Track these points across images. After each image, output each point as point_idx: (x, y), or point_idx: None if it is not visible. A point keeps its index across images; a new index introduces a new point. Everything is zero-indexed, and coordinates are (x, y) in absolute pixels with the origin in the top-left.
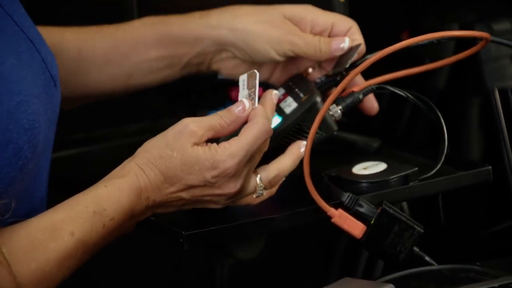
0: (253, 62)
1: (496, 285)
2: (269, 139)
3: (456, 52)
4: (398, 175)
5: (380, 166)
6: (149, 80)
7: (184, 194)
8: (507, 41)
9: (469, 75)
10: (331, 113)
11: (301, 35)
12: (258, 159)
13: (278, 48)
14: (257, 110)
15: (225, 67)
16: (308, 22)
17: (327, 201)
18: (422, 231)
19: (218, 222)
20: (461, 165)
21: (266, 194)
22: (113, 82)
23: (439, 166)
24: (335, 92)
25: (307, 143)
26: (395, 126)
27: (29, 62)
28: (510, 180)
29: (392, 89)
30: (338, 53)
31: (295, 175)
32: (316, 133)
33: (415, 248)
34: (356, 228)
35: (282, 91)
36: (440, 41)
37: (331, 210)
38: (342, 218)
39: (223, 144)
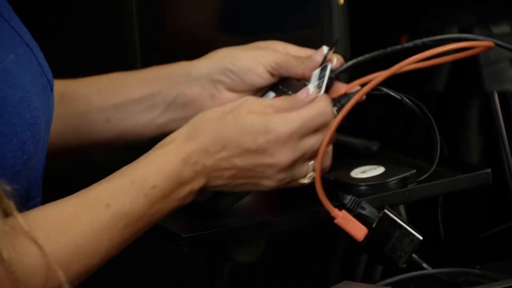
0: (243, 87)
1: None
2: (332, 136)
3: (456, 52)
4: (396, 177)
5: (378, 169)
6: (127, 125)
7: (237, 161)
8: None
9: (469, 78)
10: None
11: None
12: (314, 145)
13: (265, 62)
14: (322, 95)
15: (216, 105)
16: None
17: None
18: (421, 238)
19: (218, 224)
20: (460, 167)
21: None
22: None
23: (432, 169)
24: (346, 108)
25: (320, 147)
26: (393, 129)
27: (27, 64)
28: (510, 183)
29: (386, 90)
30: (319, 58)
31: None
32: None
33: (414, 255)
34: (358, 230)
35: (272, 94)
36: (437, 43)
37: (335, 211)
38: (345, 220)
39: (279, 113)
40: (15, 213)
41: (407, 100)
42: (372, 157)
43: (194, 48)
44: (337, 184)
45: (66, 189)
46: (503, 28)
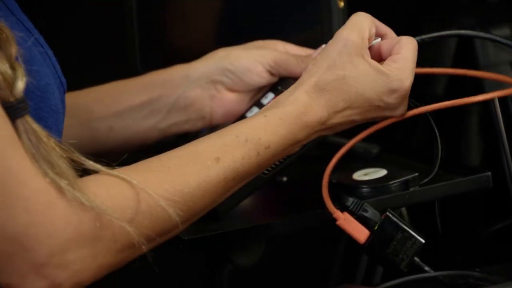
0: (243, 87)
1: None
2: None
3: (455, 56)
4: (399, 180)
5: (381, 172)
6: (130, 132)
7: (358, 117)
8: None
9: (469, 81)
10: None
11: (281, 50)
12: None
13: (264, 61)
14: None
15: (216, 105)
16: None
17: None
18: (423, 241)
19: (219, 227)
20: (460, 171)
21: None
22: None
23: (434, 172)
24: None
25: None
26: (394, 132)
27: (41, 61)
28: (510, 186)
29: None
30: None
31: (294, 180)
32: None
33: (416, 258)
34: (360, 232)
35: (271, 95)
36: (439, 43)
37: (336, 213)
38: (347, 221)
39: (396, 63)
40: (103, 168)
41: (412, 103)
42: (374, 159)
43: (193, 49)
44: (339, 186)
45: None
46: (503, 31)
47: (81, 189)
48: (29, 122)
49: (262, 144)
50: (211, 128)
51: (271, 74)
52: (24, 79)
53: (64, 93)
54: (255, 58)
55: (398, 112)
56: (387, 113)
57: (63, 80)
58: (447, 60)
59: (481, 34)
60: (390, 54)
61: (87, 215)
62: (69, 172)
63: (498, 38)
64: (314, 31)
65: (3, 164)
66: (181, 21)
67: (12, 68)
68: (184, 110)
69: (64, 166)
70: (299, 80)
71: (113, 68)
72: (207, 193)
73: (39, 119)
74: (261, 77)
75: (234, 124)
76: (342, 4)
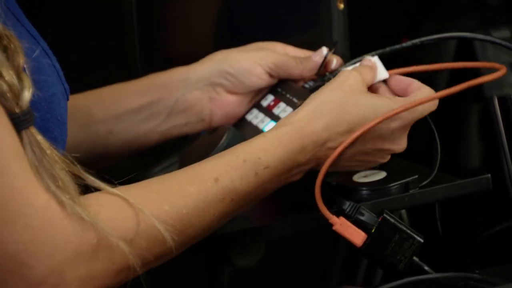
0: (242, 89)
1: None
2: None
3: (455, 57)
4: (399, 182)
5: (380, 174)
6: (130, 135)
7: (360, 147)
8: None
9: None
10: None
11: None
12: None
13: (263, 63)
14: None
15: (216, 107)
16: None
17: (329, 209)
18: (422, 241)
19: (218, 229)
20: (460, 172)
21: None
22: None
23: (433, 174)
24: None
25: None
26: None
27: (48, 71)
28: (510, 188)
29: None
30: (319, 59)
31: (293, 183)
32: None
33: (415, 258)
34: (357, 236)
35: (271, 97)
36: (439, 44)
37: (332, 218)
38: (343, 226)
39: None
40: (104, 186)
41: None
42: None
43: (194, 50)
44: (339, 188)
45: None
46: (503, 33)
47: (82, 205)
48: (33, 134)
49: (261, 164)
50: (211, 130)
51: (271, 76)
52: (31, 90)
53: (67, 100)
54: (255, 60)
55: (400, 146)
56: (388, 146)
57: (67, 87)
58: (447, 61)
59: (480, 36)
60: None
61: (87, 235)
62: (71, 186)
63: (497, 40)
64: (314, 32)
65: (7, 181)
66: (181, 23)
67: (19, 79)
68: (183, 113)
69: (67, 179)
70: (304, 103)
71: (113, 70)
72: (204, 214)
73: (45, 130)
74: (260, 79)
75: (236, 145)
76: (342, 6)
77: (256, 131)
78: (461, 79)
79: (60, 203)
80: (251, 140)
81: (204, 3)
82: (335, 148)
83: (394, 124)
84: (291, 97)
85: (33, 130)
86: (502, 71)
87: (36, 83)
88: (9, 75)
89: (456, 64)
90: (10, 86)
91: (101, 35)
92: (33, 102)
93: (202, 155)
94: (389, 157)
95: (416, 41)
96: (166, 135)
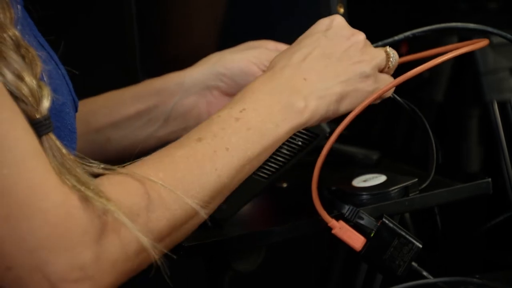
0: (238, 90)
1: None
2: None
3: (455, 62)
4: (398, 186)
5: (380, 178)
6: (128, 141)
7: (316, 52)
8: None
9: (468, 87)
10: None
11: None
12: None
13: (257, 61)
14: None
15: (213, 111)
16: None
17: (328, 213)
18: (421, 246)
19: (218, 234)
20: (461, 177)
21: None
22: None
23: (431, 177)
24: (346, 120)
25: (321, 153)
26: (394, 139)
27: (58, 81)
28: (510, 193)
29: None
30: None
31: (294, 186)
32: (309, 136)
33: (413, 263)
34: (356, 240)
35: None
36: (427, 34)
37: (332, 222)
38: (342, 230)
39: None
40: (103, 167)
41: (406, 105)
42: (373, 166)
43: (193, 54)
44: (339, 193)
45: None
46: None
47: (106, 196)
48: (53, 139)
49: (235, 111)
50: None
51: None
52: (50, 97)
53: (76, 111)
54: (249, 59)
55: (354, 38)
56: (344, 41)
57: (76, 98)
58: (446, 66)
59: (471, 26)
60: None
61: (103, 225)
62: (92, 182)
63: (490, 29)
64: None
65: (26, 177)
66: (181, 27)
67: (38, 86)
68: (181, 118)
69: (87, 177)
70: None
71: (113, 75)
72: (203, 172)
73: (57, 138)
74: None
75: None
76: (342, 10)
77: None
78: (460, 82)
79: (83, 198)
80: None
81: (204, 9)
82: (303, 60)
83: (328, 24)
84: None
85: (53, 136)
86: (483, 42)
87: None
88: (30, 80)
89: (434, 50)
90: (31, 91)
91: (101, 43)
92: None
93: None
94: (360, 54)
95: (408, 33)
96: (165, 140)
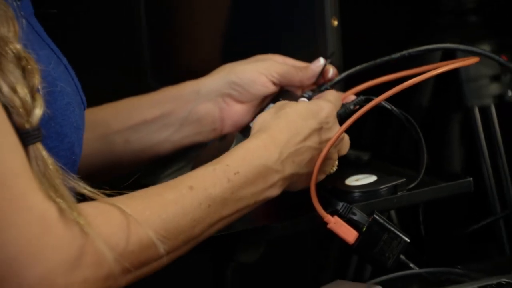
0: (249, 98)
1: (475, 286)
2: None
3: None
4: (387, 185)
5: (371, 178)
6: (144, 143)
7: (310, 142)
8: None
9: (451, 93)
10: None
11: (281, 62)
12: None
13: (267, 72)
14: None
15: (226, 117)
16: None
17: (324, 209)
18: (408, 240)
19: (223, 229)
20: (444, 177)
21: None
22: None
23: (420, 178)
24: (349, 121)
25: (320, 155)
26: (383, 141)
27: (66, 82)
28: (489, 191)
29: (384, 103)
30: (317, 68)
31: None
32: None
33: (401, 256)
34: (349, 234)
35: (272, 106)
36: (425, 55)
37: (327, 217)
38: (337, 225)
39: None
40: (100, 195)
41: (396, 110)
42: (365, 166)
43: (201, 62)
44: (333, 191)
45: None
46: (483, 48)
47: (79, 212)
48: (39, 149)
49: (231, 170)
50: (220, 138)
51: (274, 84)
52: (42, 108)
53: (84, 109)
54: (259, 70)
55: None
56: (328, 135)
57: (84, 98)
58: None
59: (462, 47)
60: None
61: (80, 242)
62: (70, 196)
63: (479, 50)
64: (309, 49)
65: (8, 191)
66: (190, 36)
67: (33, 98)
68: (196, 123)
69: (66, 191)
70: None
71: (123, 81)
72: (184, 219)
73: (63, 136)
74: (265, 87)
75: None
76: (335, 23)
77: None
78: (444, 88)
79: (59, 210)
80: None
81: (208, 11)
82: (296, 151)
83: (322, 114)
84: None
85: (39, 145)
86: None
87: (52, 93)
88: (24, 93)
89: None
90: (23, 102)
91: (111, 49)
92: (50, 110)
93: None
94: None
95: (404, 52)
96: (179, 143)
